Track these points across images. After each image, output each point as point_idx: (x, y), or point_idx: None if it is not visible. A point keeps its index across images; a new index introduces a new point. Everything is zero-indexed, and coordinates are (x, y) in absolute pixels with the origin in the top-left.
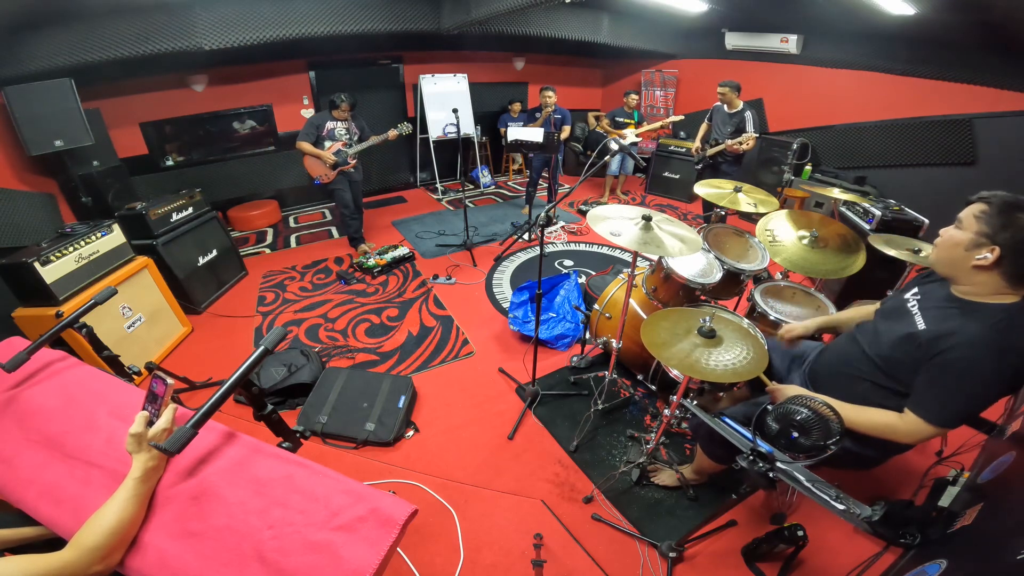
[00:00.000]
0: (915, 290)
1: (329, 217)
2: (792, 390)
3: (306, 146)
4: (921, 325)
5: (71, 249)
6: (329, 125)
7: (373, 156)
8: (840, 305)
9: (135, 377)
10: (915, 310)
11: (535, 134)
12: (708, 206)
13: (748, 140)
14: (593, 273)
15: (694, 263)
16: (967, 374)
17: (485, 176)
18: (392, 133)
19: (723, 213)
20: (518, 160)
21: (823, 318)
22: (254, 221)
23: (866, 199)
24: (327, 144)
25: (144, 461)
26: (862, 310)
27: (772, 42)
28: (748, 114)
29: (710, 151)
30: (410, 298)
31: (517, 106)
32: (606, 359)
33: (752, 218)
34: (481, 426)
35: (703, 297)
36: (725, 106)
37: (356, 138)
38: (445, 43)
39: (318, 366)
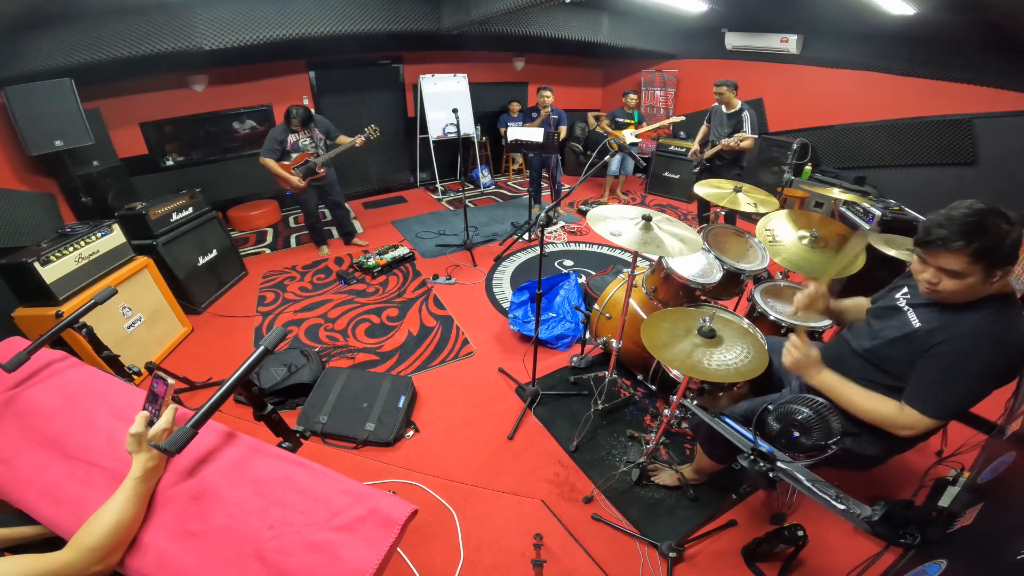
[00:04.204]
0: (904, 289)
1: (329, 217)
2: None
3: (270, 163)
4: (916, 323)
5: (71, 249)
6: (291, 138)
7: (373, 156)
8: None
9: (135, 377)
10: (907, 308)
11: (535, 134)
12: (705, 206)
13: (744, 140)
14: (593, 273)
15: (694, 263)
16: (961, 367)
17: (485, 176)
18: (359, 140)
19: (719, 213)
20: (518, 160)
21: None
22: (254, 221)
23: (866, 199)
24: (294, 156)
25: (144, 461)
26: (865, 302)
27: (772, 42)
28: (746, 114)
29: (707, 153)
30: (410, 298)
31: (517, 106)
32: (606, 359)
33: (752, 218)
34: (481, 426)
35: (703, 297)
36: (723, 107)
37: (322, 143)
38: (445, 43)
39: (318, 366)
